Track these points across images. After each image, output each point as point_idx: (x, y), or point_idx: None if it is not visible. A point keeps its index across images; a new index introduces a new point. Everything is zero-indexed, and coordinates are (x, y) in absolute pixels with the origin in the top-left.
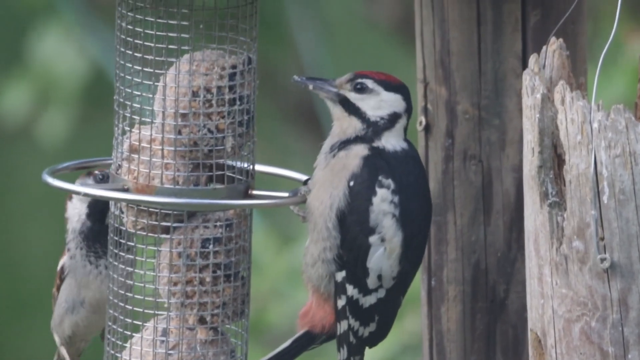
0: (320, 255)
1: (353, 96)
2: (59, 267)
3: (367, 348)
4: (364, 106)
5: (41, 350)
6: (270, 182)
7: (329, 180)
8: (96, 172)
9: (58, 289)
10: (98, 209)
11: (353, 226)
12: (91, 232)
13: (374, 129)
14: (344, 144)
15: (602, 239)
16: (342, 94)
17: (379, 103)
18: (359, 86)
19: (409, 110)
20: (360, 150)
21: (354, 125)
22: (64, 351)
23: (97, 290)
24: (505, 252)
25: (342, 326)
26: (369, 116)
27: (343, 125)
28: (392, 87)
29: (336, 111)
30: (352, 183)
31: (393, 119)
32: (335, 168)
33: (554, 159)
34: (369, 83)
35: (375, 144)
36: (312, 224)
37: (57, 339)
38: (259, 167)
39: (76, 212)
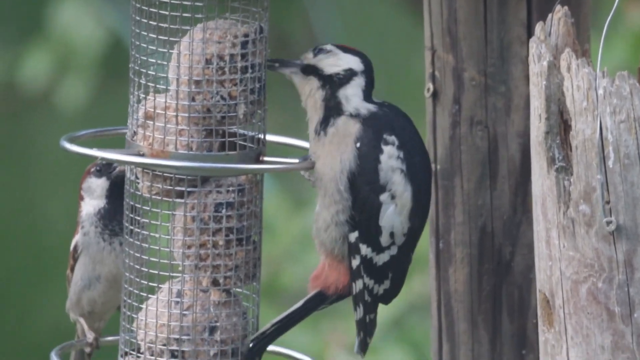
0: (333, 218)
1: (312, 60)
2: (71, 247)
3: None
4: (320, 64)
5: (63, 316)
6: (280, 150)
7: (335, 149)
8: (92, 169)
9: (72, 269)
10: (117, 190)
11: (363, 187)
12: (107, 212)
13: (330, 85)
14: (325, 122)
15: (608, 202)
16: (304, 62)
17: (335, 61)
18: (317, 51)
19: (367, 72)
20: (350, 120)
21: (312, 85)
22: (83, 322)
23: (112, 265)
24: (510, 216)
25: (358, 285)
26: (325, 72)
27: (305, 91)
28: (351, 51)
29: (298, 80)
30: (359, 144)
31: (349, 75)
32: (336, 139)
33: (561, 125)
34: (328, 47)
35: (349, 111)
36: (322, 190)
37: (72, 315)
38: (269, 136)
39: (97, 190)
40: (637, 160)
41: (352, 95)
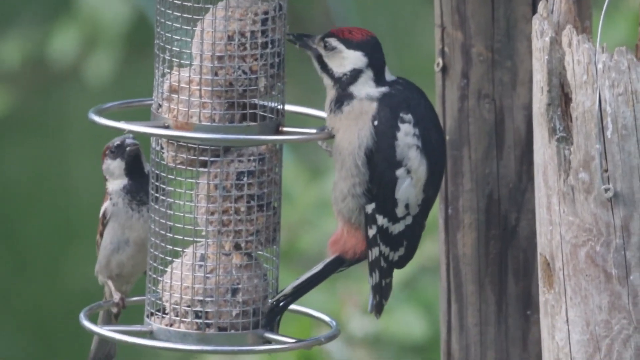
0: (350, 190)
1: (324, 53)
2: (100, 214)
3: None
4: (330, 63)
5: (92, 279)
6: (298, 120)
7: (353, 124)
8: (107, 151)
9: (101, 234)
10: (135, 165)
11: (381, 162)
12: (132, 186)
13: (340, 85)
14: (339, 102)
15: (606, 170)
16: (318, 50)
17: (341, 61)
18: (327, 44)
19: (373, 61)
20: (365, 102)
21: (327, 82)
22: (110, 284)
23: (141, 230)
24: (516, 183)
25: (374, 253)
26: (334, 72)
27: (325, 82)
28: (354, 45)
29: (316, 67)
30: (376, 122)
31: (355, 74)
32: (353, 115)
33: (562, 97)
34: (333, 42)
35: (365, 96)
36: (339, 163)
37: (101, 278)
38: (288, 107)
39: (116, 171)
40: (634, 130)
41: (362, 87)
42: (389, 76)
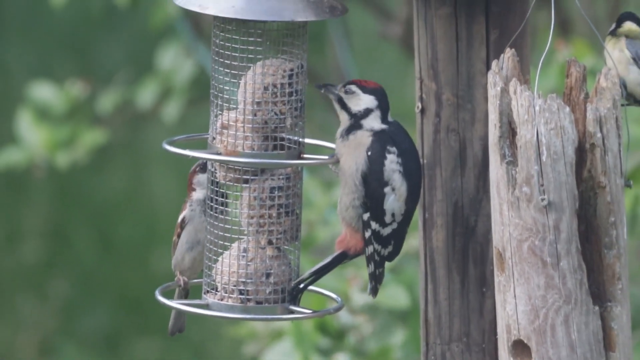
0: (351, 203)
1: (344, 96)
2: (179, 220)
3: (387, 263)
4: (349, 103)
5: (167, 269)
6: (314, 150)
7: (352, 152)
8: (197, 168)
9: (179, 236)
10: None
11: (373, 182)
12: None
13: (354, 118)
14: (348, 131)
15: (542, 185)
16: (339, 94)
17: (357, 102)
18: (347, 90)
19: (382, 105)
20: (365, 133)
21: (344, 117)
22: (180, 276)
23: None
24: (475, 195)
25: (369, 249)
26: (351, 109)
27: (340, 116)
28: (368, 91)
29: (336, 106)
30: (369, 153)
31: (367, 112)
32: (352, 145)
33: (510, 131)
34: (353, 88)
35: (367, 127)
36: (343, 181)
37: (177, 272)
38: (307, 140)
39: (204, 182)
40: (563, 155)
41: (371, 121)
42: (389, 118)
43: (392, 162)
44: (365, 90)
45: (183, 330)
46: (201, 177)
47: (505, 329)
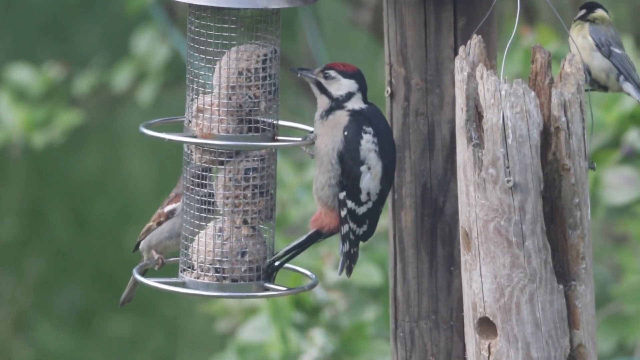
0: (327, 182)
1: (323, 81)
2: (166, 209)
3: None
4: (329, 88)
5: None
6: (288, 132)
7: (329, 132)
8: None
9: (158, 224)
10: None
11: (349, 161)
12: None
13: (336, 102)
14: (327, 112)
15: (508, 167)
16: (317, 79)
17: (339, 86)
18: (326, 75)
19: (362, 87)
20: (343, 113)
21: (325, 100)
22: (153, 252)
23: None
24: (443, 176)
25: (345, 228)
26: (332, 94)
27: (319, 100)
28: (348, 75)
29: (314, 90)
30: (346, 132)
31: (349, 95)
32: (331, 125)
33: (476, 115)
34: (333, 73)
35: (349, 108)
36: (319, 160)
37: (145, 247)
38: (281, 122)
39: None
40: (528, 138)
41: (354, 103)
42: (366, 100)
43: (367, 142)
44: (346, 75)
45: (132, 300)
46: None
47: (471, 307)
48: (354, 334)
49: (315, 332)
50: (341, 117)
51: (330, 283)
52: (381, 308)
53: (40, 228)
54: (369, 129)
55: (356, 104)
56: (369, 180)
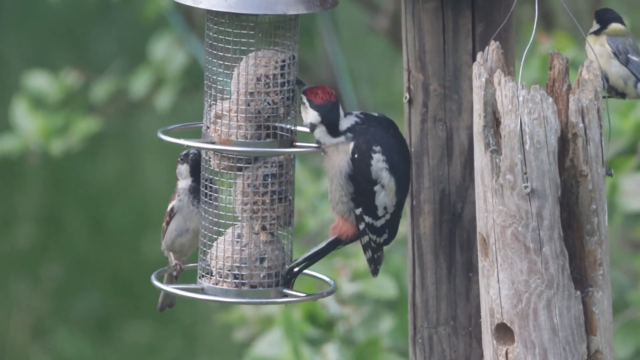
0: (340, 198)
1: (301, 104)
2: (168, 209)
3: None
4: (304, 114)
5: (159, 252)
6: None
7: (334, 154)
8: (178, 159)
9: (167, 224)
10: (196, 169)
11: (361, 181)
12: (195, 186)
13: (310, 128)
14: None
15: (525, 173)
16: (303, 100)
17: (305, 115)
18: (302, 98)
19: (326, 120)
20: (342, 139)
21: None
22: (171, 255)
23: (197, 222)
24: (461, 182)
25: (364, 239)
26: (306, 121)
27: None
28: (314, 106)
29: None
30: (356, 155)
31: (312, 127)
32: (334, 148)
33: (494, 121)
34: (304, 98)
35: (344, 129)
36: (329, 179)
37: (165, 252)
38: (299, 128)
39: (183, 172)
40: (545, 145)
41: (318, 135)
42: (344, 124)
43: (378, 161)
44: (312, 104)
45: (173, 305)
46: (180, 168)
47: (488, 313)
48: (368, 349)
49: (329, 348)
50: (344, 145)
51: (345, 295)
52: (396, 319)
53: (57, 235)
54: (377, 148)
55: (322, 136)
56: (384, 197)
